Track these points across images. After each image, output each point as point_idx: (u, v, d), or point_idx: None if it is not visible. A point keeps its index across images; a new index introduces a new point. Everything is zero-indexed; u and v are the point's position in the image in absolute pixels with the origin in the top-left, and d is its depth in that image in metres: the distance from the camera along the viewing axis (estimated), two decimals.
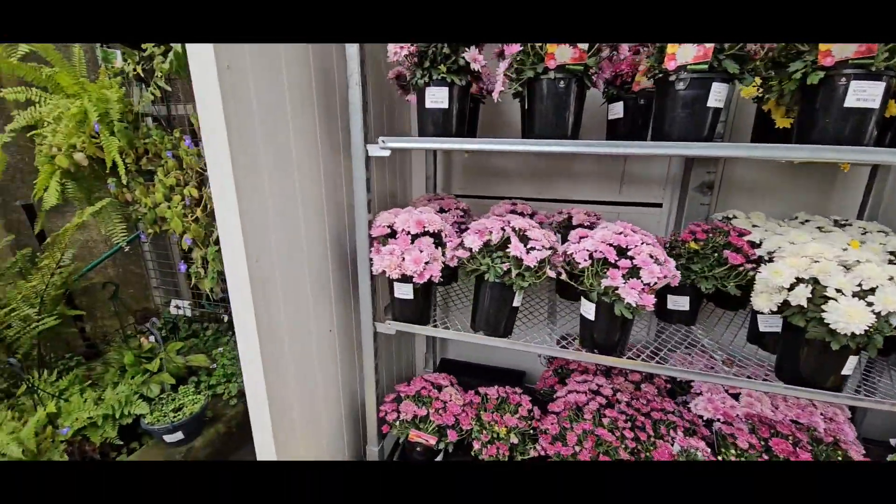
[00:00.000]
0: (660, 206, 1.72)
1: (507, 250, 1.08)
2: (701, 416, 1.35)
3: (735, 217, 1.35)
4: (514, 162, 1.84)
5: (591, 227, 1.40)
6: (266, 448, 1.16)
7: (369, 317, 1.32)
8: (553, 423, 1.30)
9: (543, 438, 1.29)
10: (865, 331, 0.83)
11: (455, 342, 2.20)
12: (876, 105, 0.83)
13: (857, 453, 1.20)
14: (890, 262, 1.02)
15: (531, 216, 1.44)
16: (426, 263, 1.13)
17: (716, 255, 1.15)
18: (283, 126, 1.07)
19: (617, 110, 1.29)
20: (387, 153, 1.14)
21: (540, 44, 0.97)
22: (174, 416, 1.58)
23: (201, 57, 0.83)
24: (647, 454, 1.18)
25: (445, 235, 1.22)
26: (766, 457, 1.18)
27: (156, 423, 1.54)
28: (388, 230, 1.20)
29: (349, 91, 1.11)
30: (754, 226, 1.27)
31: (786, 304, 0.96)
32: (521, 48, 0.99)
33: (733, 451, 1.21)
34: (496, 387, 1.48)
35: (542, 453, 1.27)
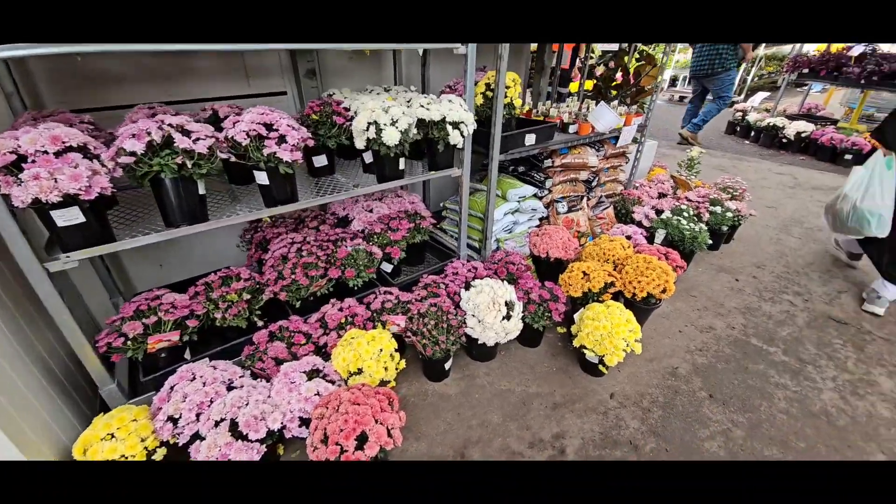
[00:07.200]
0: (285, 93, 2.14)
1: (174, 146, 1.25)
2: (357, 231, 2.14)
3: (334, 93, 1.97)
4: (124, 64, 1.70)
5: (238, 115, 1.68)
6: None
7: (33, 262, 1.17)
8: (270, 271, 1.73)
9: (269, 284, 1.71)
10: (397, 143, 1.65)
11: (140, 276, 2.08)
12: None
13: (428, 217, 2.31)
14: (408, 105, 1.92)
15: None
16: (89, 176, 1.13)
17: (329, 120, 1.74)
18: None
19: None
20: None
21: None
22: None
23: None
24: (334, 258, 1.84)
25: (94, 148, 1.20)
26: (387, 229, 2.10)
27: None
28: (14, 156, 1.06)
29: None
30: (345, 97, 1.93)
31: (368, 139, 1.68)
32: None
33: (375, 238, 2.07)
34: (213, 273, 1.71)
35: (272, 294, 1.71)
